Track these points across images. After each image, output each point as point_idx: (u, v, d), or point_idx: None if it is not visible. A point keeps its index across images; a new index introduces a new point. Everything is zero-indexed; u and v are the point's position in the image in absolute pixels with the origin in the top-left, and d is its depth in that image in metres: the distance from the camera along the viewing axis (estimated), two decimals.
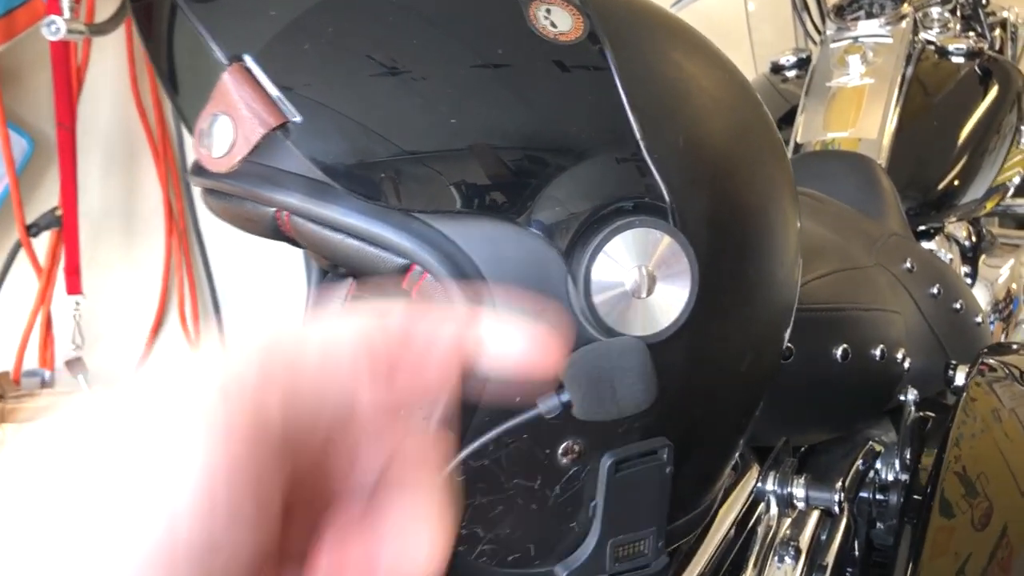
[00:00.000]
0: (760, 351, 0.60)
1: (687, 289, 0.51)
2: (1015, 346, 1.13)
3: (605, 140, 0.50)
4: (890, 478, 1.02)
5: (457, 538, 0.53)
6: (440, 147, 0.48)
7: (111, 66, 1.73)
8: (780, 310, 0.60)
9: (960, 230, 1.85)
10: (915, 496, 0.90)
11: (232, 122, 0.47)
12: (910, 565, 0.72)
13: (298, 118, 0.46)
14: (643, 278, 0.50)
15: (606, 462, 0.53)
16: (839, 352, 0.86)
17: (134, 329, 1.79)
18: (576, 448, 0.52)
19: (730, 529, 0.70)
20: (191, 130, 0.61)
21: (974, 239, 1.85)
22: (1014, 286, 1.77)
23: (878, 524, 1.02)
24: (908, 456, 1.03)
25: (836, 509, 0.80)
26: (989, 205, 1.83)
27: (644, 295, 0.50)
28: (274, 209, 0.52)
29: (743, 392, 0.60)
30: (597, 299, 0.49)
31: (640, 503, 0.55)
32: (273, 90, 0.46)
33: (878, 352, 0.91)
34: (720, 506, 0.71)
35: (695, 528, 0.62)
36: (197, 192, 1.75)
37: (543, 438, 0.52)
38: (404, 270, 0.50)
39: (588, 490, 0.54)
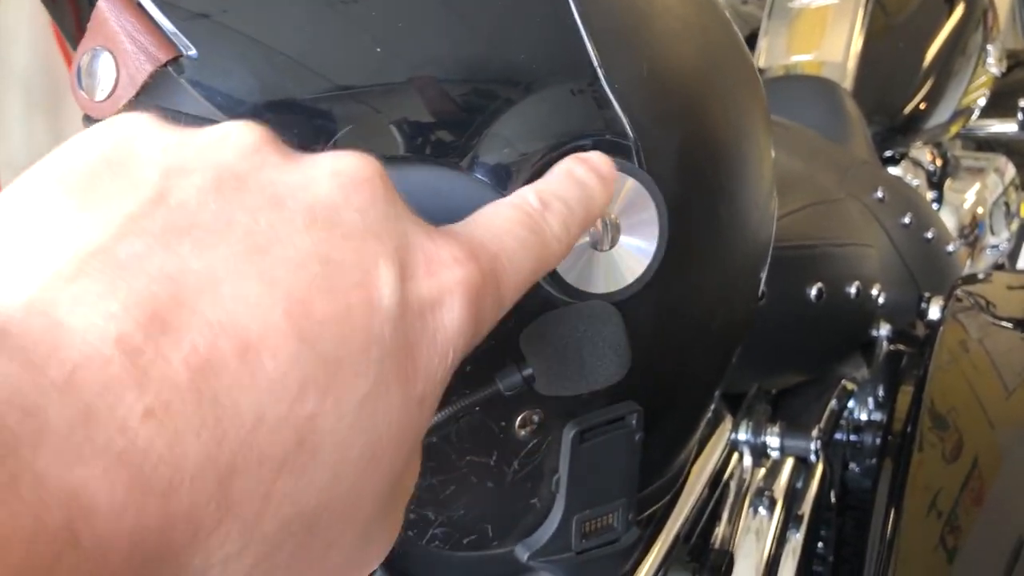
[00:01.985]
0: (734, 300, 0.54)
1: (655, 239, 0.45)
2: (980, 275, 1.10)
3: (557, 68, 0.43)
4: (864, 418, 0.99)
5: (406, 522, 0.48)
6: (366, 81, 0.41)
7: (27, 2, 1.61)
8: (755, 254, 0.55)
9: (925, 154, 1.81)
10: (890, 437, 0.86)
11: (113, 58, 0.39)
12: (891, 507, 0.68)
13: (193, 51, 0.39)
14: (605, 228, 0.43)
15: (569, 432, 0.47)
16: (813, 292, 0.81)
17: None
18: (535, 419, 0.47)
19: (705, 487, 0.66)
20: None
21: (939, 163, 1.82)
22: (980, 210, 1.74)
23: (851, 466, 0.99)
24: (882, 393, 1.00)
25: (812, 458, 0.76)
26: (954, 128, 1.79)
27: (607, 247, 0.44)
28: None
29: (716, 346, 0.55)
30: None
31: (607, 474, 0.50)
32: (161, 18, 0.39)
33: (853, 289, 0.87)
34: (693, 462, 0.66)
35: (667, 493, 0.58)
36: None
37: (498, 410, 0.46)
38: None
39: (549, 463, 0.49)
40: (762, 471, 0.79)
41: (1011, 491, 0.69)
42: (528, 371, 0.43)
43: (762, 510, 0.77)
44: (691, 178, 0.48)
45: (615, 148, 0.44)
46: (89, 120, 0.46)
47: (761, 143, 0.54)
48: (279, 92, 0.40)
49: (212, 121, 0.41)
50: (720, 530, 0.73)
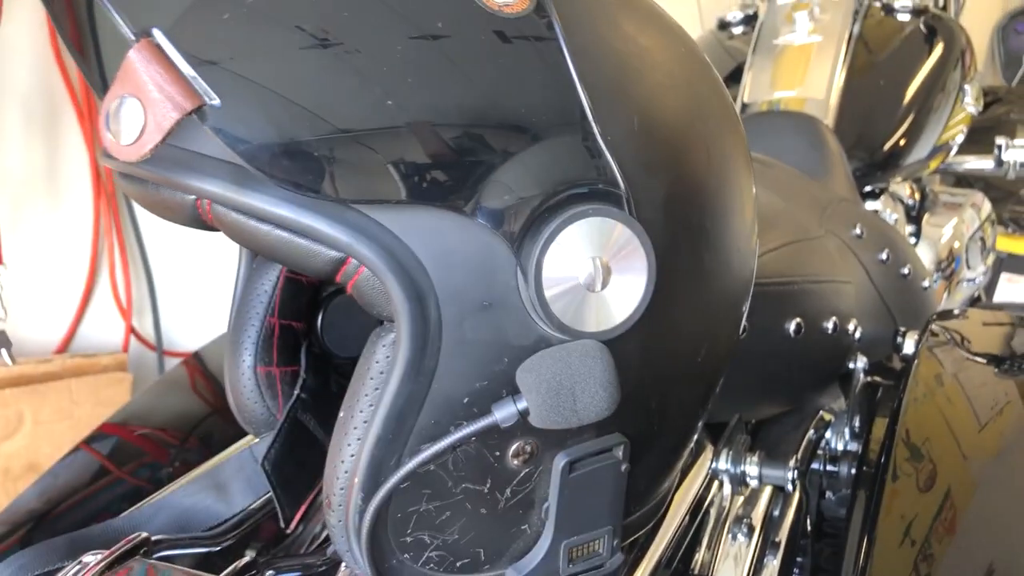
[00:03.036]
0: (716, 336, 0.57)
1: (643, 281, 0.48)
2: (956, 311, 1.13)
3: (555, 121, 0.46)
4: (840, 447, 1.02)
5: (401, 546, 0.50)
6: (376, 129, 0.44)
7: (27, 19, 1.63)
8: (737, 291, 0.58)
9: (904, 189, 1.86)
10: (865, 467, 0.89)
11: (141, 106, 0.42)
12: (865, 536, 0.71)
13: (216, 100, 0.42)
14: (597, 270, 0.46)
15: (559, 463, 0.50)
16: (792, 327, 0.84)
17: (62, 299, 1.71)
18: (527, 449, 0.49)
19: (686, 514, 0.68)
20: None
21: (917, 198, 1.86)
22: (956, 245, 1.78)
23: (827, 495, 1.02)
24: (857, 424, 1.02)
25: (790, 487, 0.79)
26: (933, 164, 1.83)
27: (599, 288, 0.47)
28: (194, 197, 0.47)
29: (700, 378, 0.58)
30: (549, 293, 0.46)
31: (594, 503, 0.52)
32: (187, 69, 0.42)
33: (831, 324, 0.90)
34: (675, 490, 0.69)
35: (650, 520, 0.60)
36: None
37: (493, 441, 0.49)
38: (339, 264, 0.46)
39: (540, 491, 0.51)
40: (740, 499, 0.81)
41: (983, 521, 0.72)
42: (523, 405, 0.46)
43: (740, 536, 0.79)
44: (677, 223, 0.51)
45: (607, 196, 0.47)
46: (108, 158, 0.48)
47: (743, 186, 0.57)
48: (294, 139, 0.43)
49: (232, 165, 0.44)
50: (700, 556, 0.76)
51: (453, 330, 0.46)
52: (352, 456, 0.48)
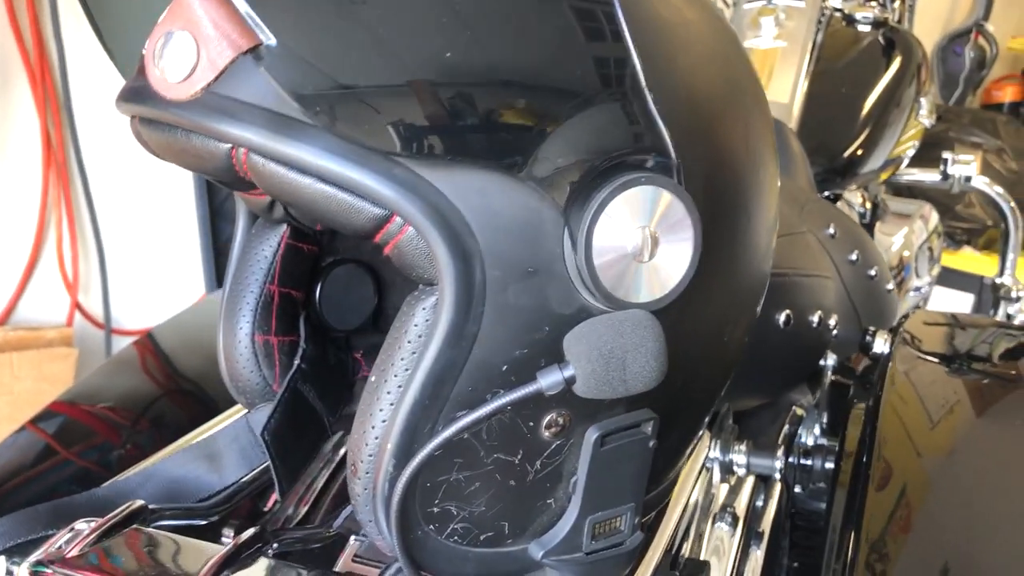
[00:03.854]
0: (739, 321, 0.57)
1: (689, 254, 0.47)
2: (916, 311, 1.16)
3: (610, 86, 0.46)
4: (809, 442, 1.03)
5: (428, 516, 0.49)
6: (433, 81, 0.42)
7: None
8: (761, 275, 0.58)
9: (857, 197, 1.90)
10: (843, 464, 0.90)
11: (194, 42, 0.40)
12: (850, 534, 0.72)
13: (272, 40, 0.40)
14: (646, 240, 0.46)
15: (591, 436, 0.49)
16: (782, 318, 0.85)
17: (3, 269, 1.63)
18: (560, 421, 0.48)
19: (688, 499, 0.68)
20: (105, 44, 0.53)
21: (869, 206, 1.90)
22: (907, 253, 1.82)
23: (797, 488, 1.03)
24: (826, 420, 1.04)
25: (777, 475, 0.80)
26: (885, 175, 1.88)
27: (646, 259, 0.46)
28: (229, 146, 0.45)
29: (721, 363, 0.58)
30: (598, 261, 0.45)
31: (621, 478, 0.52)
32: (242, 5, 0.40)
33: (816, 318, 0.91)
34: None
35: (662, 501, 0.60)
36: (82, 121, 1.60)
37: (528, 411, 0.48)
38: (382, 221, 0.45)
39: (569, 465, 0.50)
40: (726, 487, 0.82)
41: (964, 518, 0.73)
42: (570, 373, 0.45)
43: (725, 526, 0.79)
44: (717, 198, 0.50)
45: (657, 165, 0.46)
46: (133, 96, 0.46)
47: (772, 168, 0.57)
48: (348, 86, 0.41)
49: (276, 113, 0.42)
50: (689, 545, 0.76)
51: (497, 295, 0.45)
52: (384, 422, 0.47)
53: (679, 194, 0.46)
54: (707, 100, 0.50)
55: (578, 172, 0.45)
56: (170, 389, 1.09)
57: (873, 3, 2.04)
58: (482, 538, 0.51)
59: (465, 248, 0.44)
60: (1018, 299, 2.03)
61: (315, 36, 0.41)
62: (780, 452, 0.80)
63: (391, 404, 0.47)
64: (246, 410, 0.74)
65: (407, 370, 0.47)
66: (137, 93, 0.47)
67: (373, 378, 0.48)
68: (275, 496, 0.72)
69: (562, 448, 0.50)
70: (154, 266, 1.71)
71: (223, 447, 0.65)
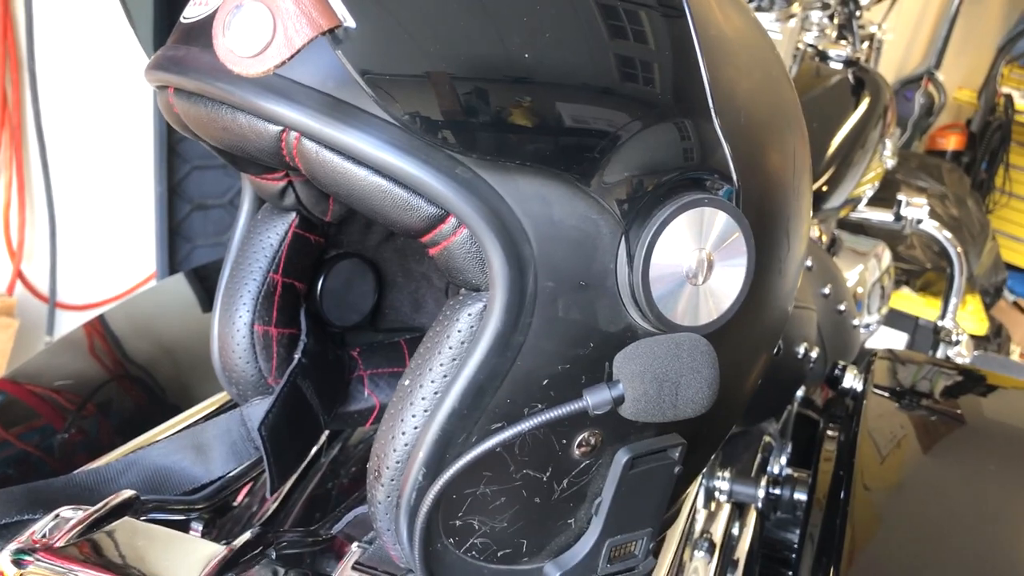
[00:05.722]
0: (766, 348, 0.56)
1: (741, 280, 0.47)
2: (883, 350, 1.18)
3: (680, 102, 0.45)
4: (775, 471, 1.04)
5: (449, 529, 0.47)
6: (507, 80, 0.41)
7: None
8: (788, 305, 0.58)
9: (815, 231, 1.93)
10: (817, 496, 0.91)
11: (271, 16, 0.38)
12: (831, 566, 0.72)
13: (352, 23, 0.38)
14: (701, 263, 0.45)
15: (621, 458, 0.48)
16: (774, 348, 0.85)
17: None
18: (592, 441, 0.47)
19: (684, 527, 0.67)
20: (131, 20, 0.50)
21: (826, 240, 1.93)
22: (860, 290, 1.86)
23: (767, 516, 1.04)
24: (789, 450, 1.05)
25: (760, 504, 0.80)
26: (843, 212, 1.91)
27: (700, 281, 0.45)
28: (280, 128, 0.43)
29: (742, 393, 0.57)
30: (653, 280, 0.44)
31: (644, 502, 0.51)
32: None
33: (801, 349, 0.91)
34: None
35: (667, 527, 0.59)
36: (45, 86, 1.53)
37: (563, 428, 0.46)
38: (435, 222, 0.43)
39: (595, 486, 0.49)
40: (705, 513, 0.82)
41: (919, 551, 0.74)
42: (618, 393, 0.44)
43: (701, 552, 0.79)
44: (767, 223, 0.50)
45: (720, 188, 0.46)
46: (171, 65, 0.44)
47: (809, 199, 0.56)
48: (422, 77, 0.40)
49: (337, 100, 0.40)
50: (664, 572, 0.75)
51: (547, 307, 0.43)
52: (416, 428, 0.45)
53: (738, 218, 0.45)
54: (763, 125, 0.50)
55: (642, 187, 0.44)
56: (118, 375, 1.04)
57: (844, 42, 2.09)
58: (499, 554, 0.49)
59: (521, 256, 0.42)
60: (957, 342, 2.08)
61: (396, 22, 0.39)
62: (764, 481, 0.80)
63: (425, 411, 0.45)
64: (229, 398, 0.71)
65: (445, 376, 0.45)
66: (176, 63, 0.44)
67: (407, 382, 0.46)
68: (244, 492, 0.69)
69: (590, 468, 0.48)
70: (105, 240, 1.64)
71: (212, 439, 0.62)
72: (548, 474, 0.47)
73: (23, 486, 0.57)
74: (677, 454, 0.50)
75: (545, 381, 0.45)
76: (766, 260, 0.50)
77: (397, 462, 0.45)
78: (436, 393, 0.45)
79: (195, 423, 0.77)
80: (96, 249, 1.65)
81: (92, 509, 0.51)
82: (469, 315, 0.45)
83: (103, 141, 1.58)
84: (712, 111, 0.46)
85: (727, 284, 0.46)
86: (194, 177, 1.68)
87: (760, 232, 0.49)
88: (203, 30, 0.43)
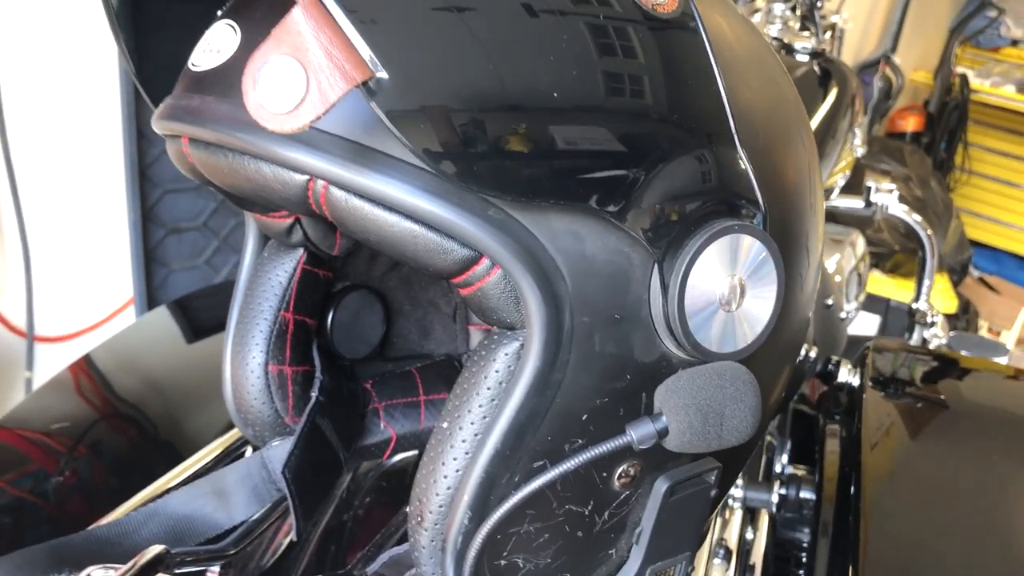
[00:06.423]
0: (790, 364, 0.57)
1: (772, 302, 0.47)
2: (874, 341, 1.19)
3: (705, 131, 0.45)
4: (778, 469, 1.05)
5: (494, 569, 0.47)
6: (536, 123, 0.40)
7: None
8: (807, 315, 0.58)
9: None
10: (825, 493, 0.92)
11: (304, 71, 0.37)
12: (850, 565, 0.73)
13: (384, 74, 0.37)
14: (734, 290, 0.45)
15: (660, 487, 0.48)
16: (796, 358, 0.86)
17: None
18: (631, 472, 0.47)
19: (711, 541, 0.68)
20: (130, 59, 0.50)
21: None
22: (838, 279, 1.88)
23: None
24: (789, 448, 1.06)
25: (774, 510, 0.80)
26: None
27: (733, 308, 0.45)
28: (306, 177, 0.42)
29: (772, 408, 0.57)
30: (689, 309, 0.44)
31: (683, 527, 0.51)
32: (353, 33, 0.37)
33: (803, 349, 0.92)
34: None
35: (700, 546, 0.59)
36: (11, 114, 1.49)
37: (603, 461, 0.46)
38: (468, 263, 0.43)
39: (634, 515, 0.49)
40: (719, 521, 0.82)
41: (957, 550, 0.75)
42: (662, 425, 0.44)
43: (719, 560, 0.80)
44: (791, 243, 0.50)
45: (747, 213, 0.46)
46: (184, 115, 0.43)
47: (821, 212, 0.57)
48: (454, 121, 0.39)
49: (364, 147, 0.39)
50: None
51: (583, 342, 0.43)
52: (457, 471, 0.45)
53: (767, 243, 0.46)
54: (778, 141, 0.50)
55: (672, 217, 0.44)
56: (108, 414, 1.03)
57: (807, 32, 2.10)
58: None
59: (556, 293, 0.42)
60: (932, 324, 2.11)
61: (425, 68, 0.38)
62: (776, 486, 0.80)
63: (466, 453, 0.45)
64: (236, 438, 0.70)
65: (485, 418, 0.44)
66: (191, 113, 0.43)
67: (445, 424, 0.46)
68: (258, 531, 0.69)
69: (630, 498, 0.48)
70: (81, 270, 1.61)
71: (233, 484, 0.61)
72: (590, 507, 0.47)
73: (44, 545, 0.56)
74: (713, 477, 0.50)
75: (584, 416, 0.45)
76: (791, 278, 0.51)
77: (440, 506, 0.45)
78: (476, 435, 0.44)
79: (206, 466, 0.76)
80: (72, 279, 1.61)
81: (124, 568, 0.50)
82: (506, 355, 0.44)
83: (73, 170, 1.55)
84: (734, 135, 0.46)
85: (760, 308, 0.46)
86: (166, 201, 1.65)
87: (785, 252, 0.49)
88: (219, 80, 0.42)
